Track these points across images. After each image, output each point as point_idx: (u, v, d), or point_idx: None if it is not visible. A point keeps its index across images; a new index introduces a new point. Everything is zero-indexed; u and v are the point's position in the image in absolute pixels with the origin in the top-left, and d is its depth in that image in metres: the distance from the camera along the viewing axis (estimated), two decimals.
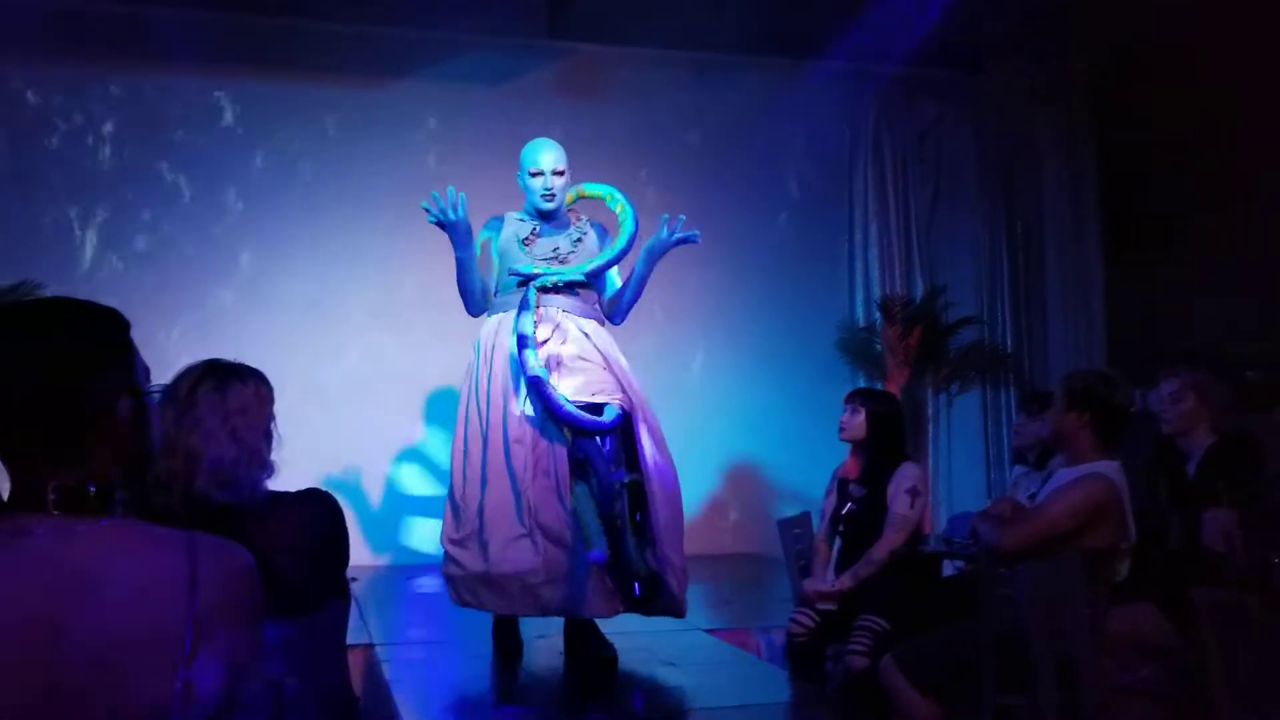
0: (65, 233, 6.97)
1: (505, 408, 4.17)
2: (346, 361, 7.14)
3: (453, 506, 4.25)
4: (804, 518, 4.87)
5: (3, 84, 6.90)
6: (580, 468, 4.17)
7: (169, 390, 2.26)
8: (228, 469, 2.22)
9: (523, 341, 4.10)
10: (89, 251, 6.99)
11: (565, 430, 4.14)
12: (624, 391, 4.25)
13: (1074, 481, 3.49)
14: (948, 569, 4.98)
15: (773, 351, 7.81)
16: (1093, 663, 3.13)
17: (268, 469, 2.30)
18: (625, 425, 4.26)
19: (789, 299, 7.98)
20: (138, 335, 1.48)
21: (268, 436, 2.32)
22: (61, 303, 1.44)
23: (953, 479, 8.08)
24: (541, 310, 4.24)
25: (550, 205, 4.35)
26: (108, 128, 7.07)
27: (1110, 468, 3.48)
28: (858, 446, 4.45)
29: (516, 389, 4.18)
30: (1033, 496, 4.07)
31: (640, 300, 4.58)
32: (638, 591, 4.14)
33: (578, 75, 7.74)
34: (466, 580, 4.14)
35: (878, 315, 7.93)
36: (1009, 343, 8.35)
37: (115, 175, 7.06)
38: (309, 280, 7.21)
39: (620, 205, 4.51)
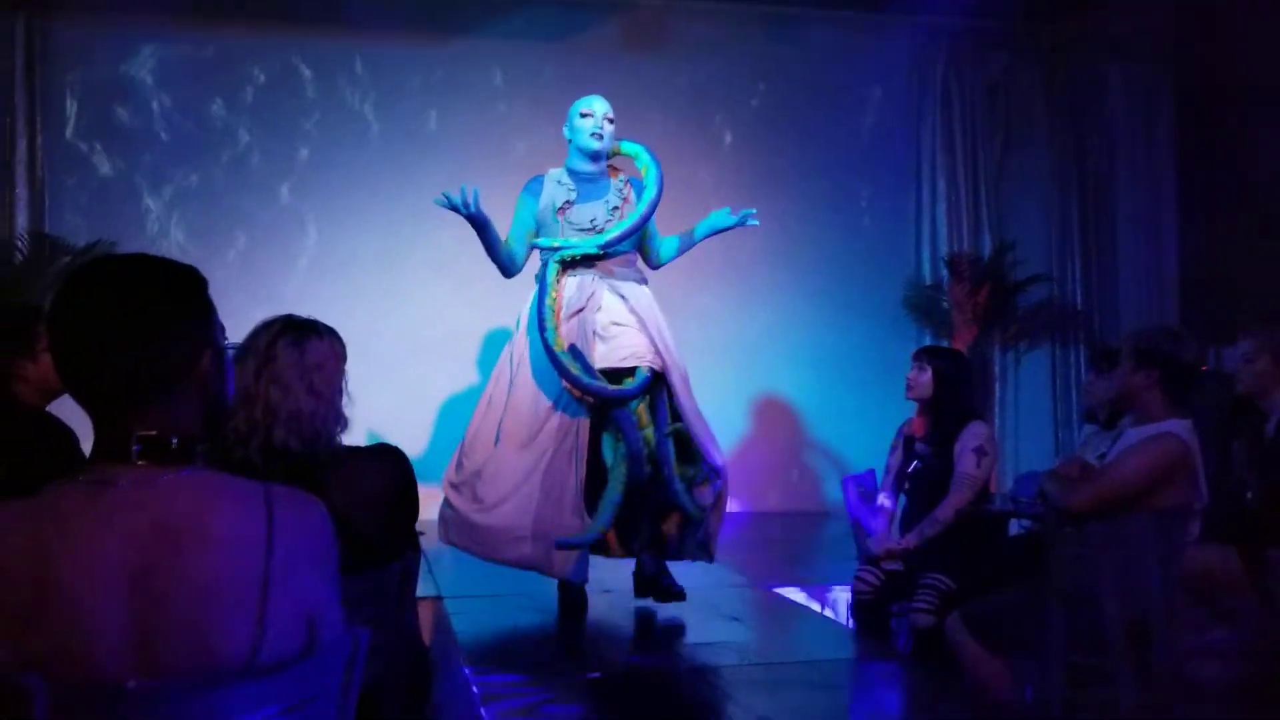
0: (134, 193, 7.08)
1: (535, 373, 4.30)
2: (412, 315, 7.20)
3: (460, 451, 4.39)
4: (869, 475, 4.85)
5: (77, 44, 7.01)
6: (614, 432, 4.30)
7: (248, 343, 2.30)
8: (306, 422, 2.26)
9: (541, 323, 4.21)
10: (157, 209, 7.09)
11: (591, 401, 4.24)
12: (656, 353, 4.33)
13: (1144, 441, 3.43)
14: (1014, 528, 4.94)
15: (838, 308, 7.76)
16: (1165, 623, 3.09)
17: (342, 423, 2.34)
18: (664, 384, 4.37)
19: (855, 256, 7.91)
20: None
21: (341, 392, 2.36)
22: (144, 258, 1.46)
23: (1020, 438, 8.00)
24: (575, 279, 4.32)
25: (597, 145, 4.41)
26: (179, 87, 7.15)
27: (1182, 427, 3.42)
28: (925, 405, 4.42)
29: (537, 367, 4.30)
30: (1102, 456, 4.01)
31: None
32: (700, 536, 4.37)
33: (642, 30, 7.68)
34: (457, 522, 4.29)
35: (945, 272, 7.83)
36: (1079, 300, 8.21)
37: (182, 134, 7.15)
38: (376, 237, 7.27)
39: (645, 167, 4.51)
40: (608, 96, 4.57)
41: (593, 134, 4.40)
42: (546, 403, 4.25)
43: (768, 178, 7.74)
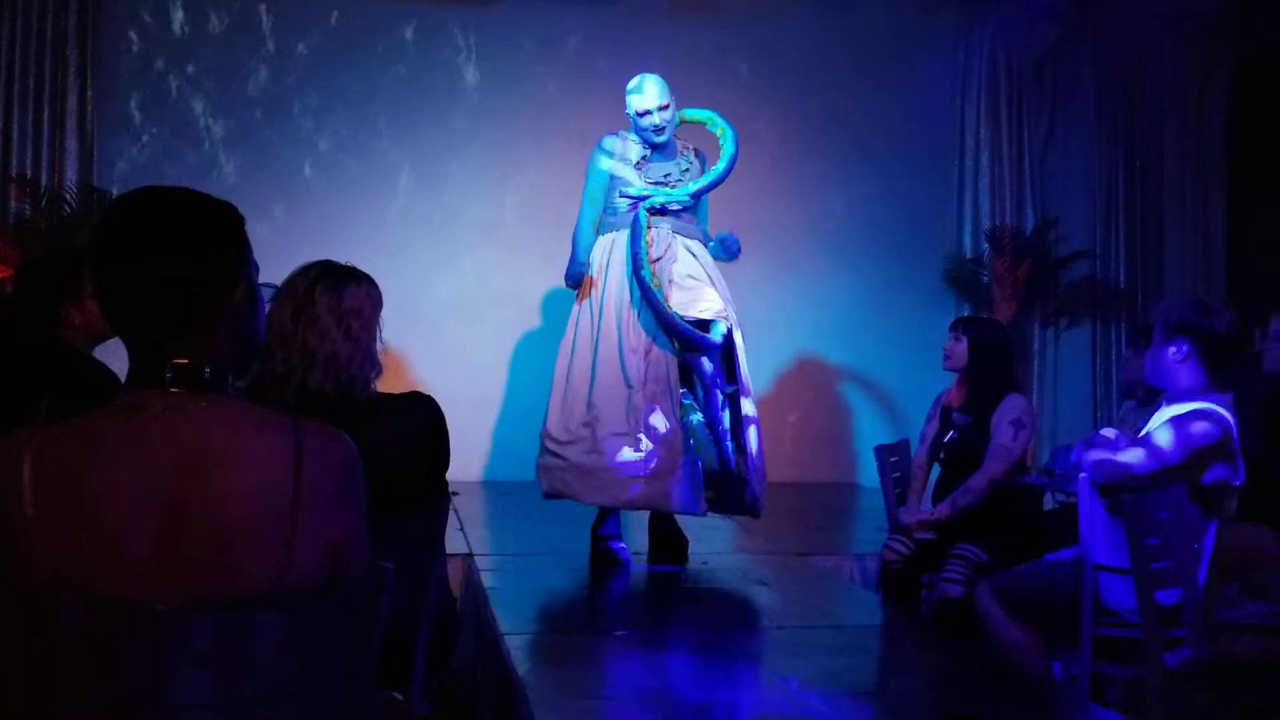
0: (182, 149, 7.15)
1: (620, 318, 4.44)
2: (452, 279, 7.24)
3: (560, 404, 4.50)
4: (902, 445, 4.84)
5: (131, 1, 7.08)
6: (688, 378, 4.55)
7: (286, 286, 2.33)
8: (341, 366, 2.28)
9: (637, 261, 4.37)
10: (205, 166, 7.15)
11: (676, 343, 4.44)
12: (729, 309, 4.52)
13: (1181, 417, 3.38)
14: (1048, 503, 4.91)
15: (878, 280, 7.72)
16: (1198, 597, 3.07)
17: (377, 369, 2.36)
18: (726, 342, 4.56)
19: (896, 228, 7.85)
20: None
21: (377, 338, 2.38)
22: (184, 191, 1.49)
23: (1058, 415, 7.94)
24: (654, 230, 4.46)
25: (661, 139, 4.57)
26: (230, 45, 7.20)
27: (1221, 402, 3.37)
28: (962, 375, 4.39)
29: (634, 303, 4.44)
30: (1139, 431, 3.98)
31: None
32: (749, 496, 4.56)
33: None
34: (563, 469, 4.43)
35: (986, 246, 7.77)
36: (1122, 277, 8.12)
37: (232, 92, 7.21)
38: (423, 199, 7.31)
39: (720, 129, 4.69)
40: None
41: (654, 130, 4.52)
42: (637, 347, 4.42)
43: (811, 147, 7.70)
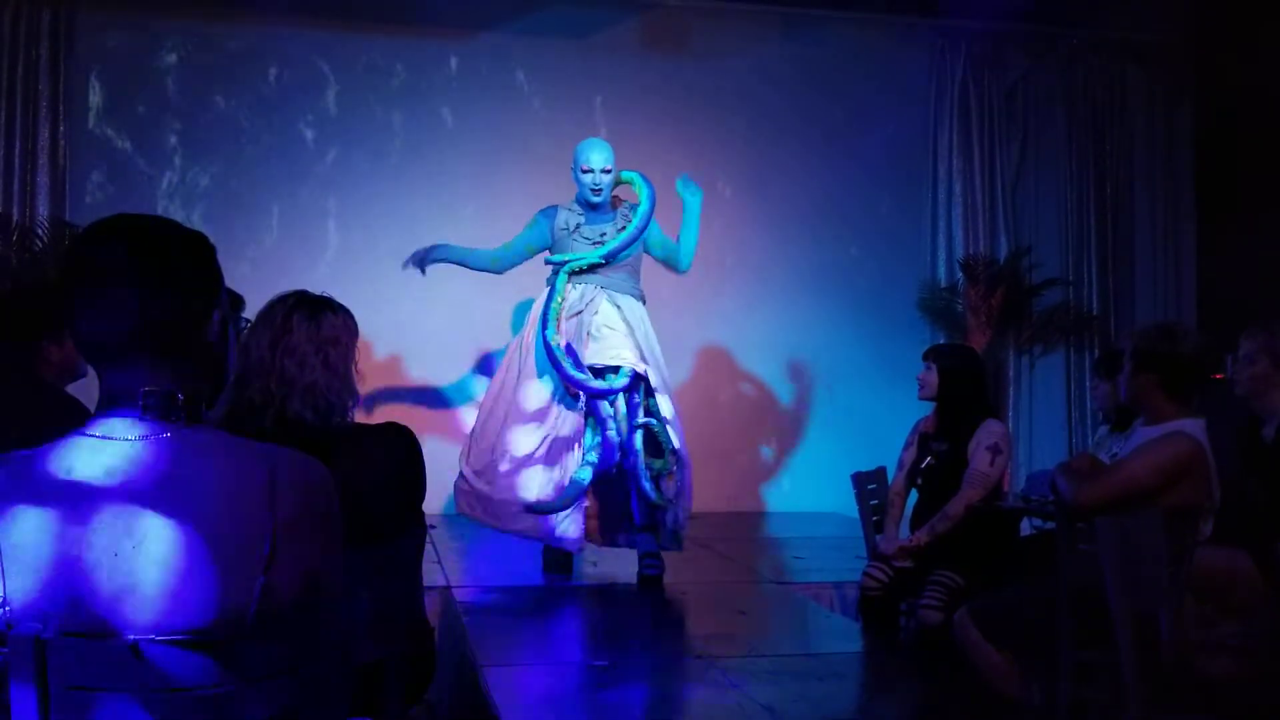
0: (155, 184, 7.12)
1: (536, 368, 4.82)
2: (427, 311, 7.21)
3: (477, 436, 4.88)
4: (879, 473, 4.85)
5: (102, 34, 7.06)
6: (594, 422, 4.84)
7: (263, 315, 2.33)
8: (320, 394, 2.28)
9: (545, 320, 4.73)
10: (178, 201, 7.13)
11: (577, 393, 4.76)
12: (641, 357, 4.78)
13: (1155, 440, 3.41)
14: (1025, 529, 4.93)
15: (852, 309, 7.75)
16: (1174, 619, 3.08)
17: (355, 398, 2.36)
18: (645, 384, 4.83)
19: (870, 257, 7.91)
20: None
21: (354, 367, 2.37)
22: (156, 219, 1.49)
23: (1034, 442, 7.97)
24: (578, 288, 4.81)
25: (597, 199, 4.88)
26: (202, 81, 7.19)
27: (1194, 426, 3.39)
28: (937, 403, 4.41)
29: (540, 360, 4.80)
30: (1114, 456, 4.00)
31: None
32: (639, 519, 4.82)
33: (662, 30, 7.68)
34: (470, 494, 4.80)
35: (960, 275, 7.82)
36: (1095, 305, 8.19)
37: (203, 127, 7.19)
38: (397, 233, 7.29)
39: (639, 188, 4.97)
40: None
41: (592, 189, 4.85)
42: (547, 393, 4.76)
43: (783, 177, 7.74)
